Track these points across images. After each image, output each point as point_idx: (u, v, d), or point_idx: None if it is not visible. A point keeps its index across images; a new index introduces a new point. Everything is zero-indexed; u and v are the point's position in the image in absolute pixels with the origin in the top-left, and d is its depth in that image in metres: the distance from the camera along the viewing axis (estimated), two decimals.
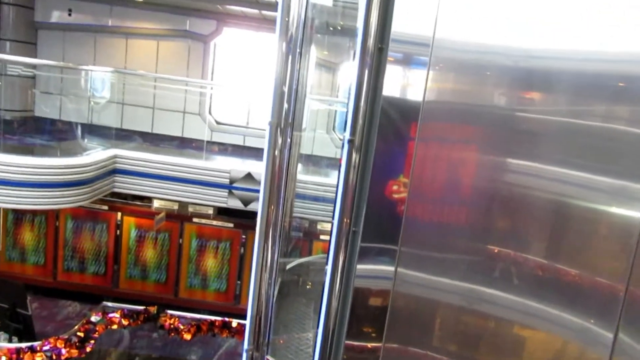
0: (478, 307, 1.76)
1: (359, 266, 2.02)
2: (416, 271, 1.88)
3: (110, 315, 7.37)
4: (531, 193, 1.65)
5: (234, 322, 7.57)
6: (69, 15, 9.70)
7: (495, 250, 1.73)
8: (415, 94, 1.78)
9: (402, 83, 1.86)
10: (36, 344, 6.46)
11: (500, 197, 1.72)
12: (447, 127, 1.78)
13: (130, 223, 9.48)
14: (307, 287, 4.04)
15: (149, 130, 9.75)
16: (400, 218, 1.86)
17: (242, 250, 9.45)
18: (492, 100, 1.72)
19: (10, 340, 7.02)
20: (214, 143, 9.34)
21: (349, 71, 1.91)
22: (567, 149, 1.62)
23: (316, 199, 6.87)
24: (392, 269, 1.90)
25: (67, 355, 6.63)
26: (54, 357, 6.52)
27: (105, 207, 9.41)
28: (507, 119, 1.69)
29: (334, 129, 9.65)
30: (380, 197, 1.95)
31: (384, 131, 1.87)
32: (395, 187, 1.90)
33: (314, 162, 8.54)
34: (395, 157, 1.92)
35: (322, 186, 6.92)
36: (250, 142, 9.71)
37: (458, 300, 1.80)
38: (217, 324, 7.56)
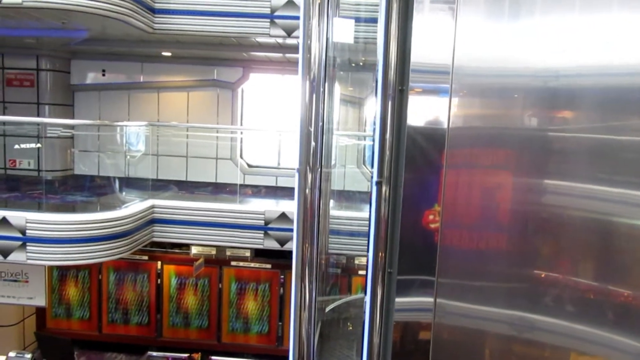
0: (527, 334, 1.70)
1: (397, 299, 1.99)
2: (457, 301, 1.83)
3: None
4: (569, 213, 1.61)
5: None
6: (103, 75, 10.15)
7: (542, 275, 1.67)
8: (439, 122, 1.78)
9: (426, 112, 1.87)
10: None
11: (538, 219, 1.68)
12: (474, 152, 1.77)
13: (170, 271, 9.60)
14: (349, 328, 3.97)
15: (184, 179, 9.96)
16: (435, 248, 1.83)
17: (281, 290, 9.41)
18: (519, 122, 1.71)
19: None
20: (247, 186, 9.46)
21: (373, 106, 1.93)
22: (603, 165, 1.58)
23: (352, 234, 6.84)
24: (431, 300, 1.86)
25: None
26: None
27: (146, 257, 9.57)
28: (535, 140, 1.67)
29: (364, 163, 9.66)
30: (414, 228, 1.92)
31: (412, 162, 1.87)
32: (431, 217, 1.88)
33: (347, 197, 8.54)
34: (425, 187, 1.91)
35: (357, 220, 6.89)
36: (283, 182, 9.80)
37: (503, 329, 1.75)
38: None
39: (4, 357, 7.64)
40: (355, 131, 9.70)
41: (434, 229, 1.87)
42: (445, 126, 1.74)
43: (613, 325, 1.57)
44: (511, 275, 1.73)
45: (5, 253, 6.24)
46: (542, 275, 1.67)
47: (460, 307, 1.83)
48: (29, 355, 7.59)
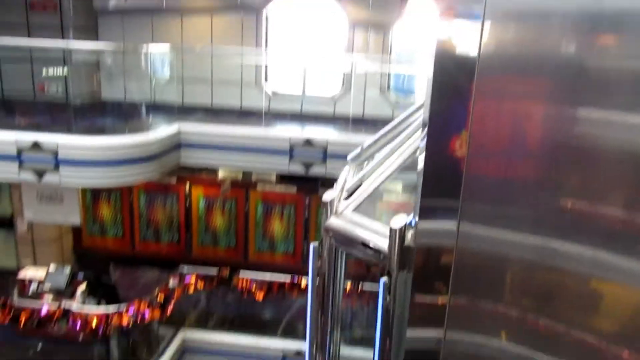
0: (549, 261, 1.74)
1: (420, 225, 2.03)
2: (480, 227, 1.87)
3: (187, 279, 7.79)
4: (603, 143, 1.59)
5: (303, 282, 7.81)
6: (125, 1, 9.93)
7: (568, 204, 1.68)
8: (470, 47, 1.73)
9: (456, 36, 1.81)
10: (122, 307, 6.96)
11: (569, 149, 1.66)
12: (506, 79, 1.73)
13: (198, 193, 9.87)
14: None
15: (209, 104, 9.98)
16: (461, 174, 1.84)
17: (306, 213, 9.63)
18: (556, 48, 1.65)
19: (98, 305, 7.60)
20: (272, 112, 9.45)
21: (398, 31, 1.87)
22: None
23: None
24: (454, 224, 1.89)
25: (150, 317, 7.11)
26: (139, 319, 7.02)
27: (174, 180, 9.81)
28: (572, 67, 1.62)
29: (388, 89, 9.50)
30: (439, 154, 1.93)
31: (440, 88, 1.84)
32: (457, 144, 1.88)
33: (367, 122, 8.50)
34: (453, 113, 1.89)
35: None
36: (308, 109, 9.74)
37: (526, 255, 1.78)
38: (286, 284, 7.83)
39: (45, 270, 8.13)
40: (380, 56, 9.46)
41: (460, 156, 1.87)
42: (477, 51, 1.69)
43: (638, 254, 1.59)
44: (538, 203, 1.74)
45: (40, 175, 6.47)
46: (569, 205, 1.68)
47: (484, 233, 1.86)
48: (67, 269, 8.06)
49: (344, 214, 2.40)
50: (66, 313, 6.81)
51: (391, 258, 2.07)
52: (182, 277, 7.80)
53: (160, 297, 7.30)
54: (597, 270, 1.65)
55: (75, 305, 7.28)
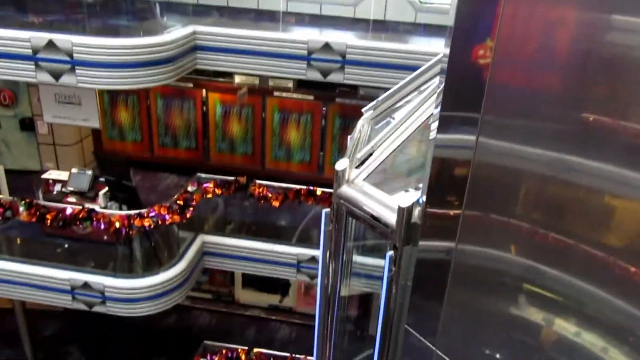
0: (564, 175, 1.70)
1: (439, 136, 1.98)
2: (499, 140, 1.82)
3: (205, 185, 7.94)
4: (633, 54, 1.48)
5: (319, 191, 7.91)
6: None
7: (590, 118, 1.61)
8: None
9: None
10: (143, 211, 7.18)
11: (598, 59, 1.56)
12: None
13: (215, 99, 9.79)
14: None
15: (225, 4, 9.60)
16: (484, 84, 1.76)
17: (323, 122, 9.55)
18: None
19: (120, 208, 7.85)
20: (290, 14, 9.07)
21: None
22: None
23: (392, 65, 6.67)
24: (473, 137, 1.84)
25: (170, 220, 7.34)
26: (160, 222, 7.26)
27: (190, 85, 9.71)
28: None
29: None
30: (462, 62, 1.84)
31: None
32: (481, 52, 1.78)
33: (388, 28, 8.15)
34: (478, 20, 1.78)
35: (398, 53, 6.66)
36: (327, 11, 9.32)
37: (542, 169, 1.75)
38: (302, 192, 7.94)
39: (67, 173, 8.33)
40: None
41: (483, 64, 1.78)
42: None
43: None
44: (560, 116, 1.67)
45: (56, 75, 6.43)
46: (591, 119, 1.61)
47: (502, 146, 1.82)
48: (90, 172, 8.25)
49: (355, 182, 2.49)
50: (90, 214, 7.05)
51: (398, 234, 2.19)
52: (200, 183, 7.95)
53: (180, 202, 7.49)
54: (612, 186, 1.62)
55: (98, 207, 7.52)
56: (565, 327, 1.82)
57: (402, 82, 3.23)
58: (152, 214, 7.18)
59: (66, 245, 8.08)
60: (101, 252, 8.02)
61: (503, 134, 1.80)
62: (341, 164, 2.47)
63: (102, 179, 8.16)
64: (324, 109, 9.43)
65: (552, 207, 1.78)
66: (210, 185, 7.93)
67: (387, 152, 2.64)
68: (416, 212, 2.16)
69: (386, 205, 2.28)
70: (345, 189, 2.46)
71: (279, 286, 11.01)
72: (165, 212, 7.26)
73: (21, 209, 7.12)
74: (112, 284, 7.26)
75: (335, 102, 9.35)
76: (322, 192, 7.89)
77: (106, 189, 8.00)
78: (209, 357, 8.94)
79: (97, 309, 7.45)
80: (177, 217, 7.40)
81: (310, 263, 8.06)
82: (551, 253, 1.81)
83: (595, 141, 1.62)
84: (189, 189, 7.81)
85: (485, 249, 2.00)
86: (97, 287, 7.28)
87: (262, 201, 8.00)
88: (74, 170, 8.28)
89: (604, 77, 1.57)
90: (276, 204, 7.93)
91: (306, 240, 8.55)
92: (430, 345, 2.25)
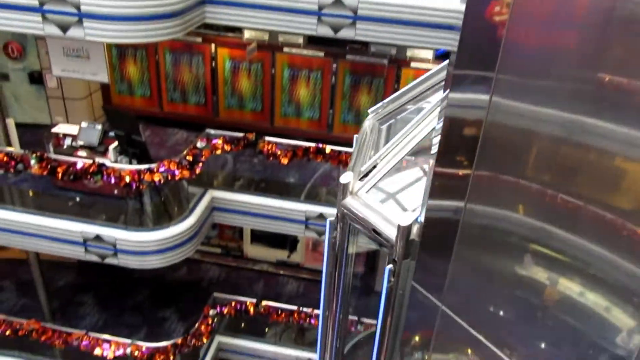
0: (576, 137, 1.69)
1: (451, 95, 1.96)
2: (513, 100, 1.79)
3: (214, 141, 7.96)
4: None
5: (327, 148, 7.91)
6: None
7: (606, 79, 1.59)
8: None
9: None
10: (153, 166, 7.23)
11: (618, 17, 1.52)
12: None
13: (224, 54, 9.68)
14: None
15: None
16: (499, 43, 1.73)
17: (333, 79, 9.45)
18: None
19: (130, 163, 7.91)
20: None
21: None
22: None
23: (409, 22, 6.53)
24: (486, 97, 1.82)
25: (180, 175, 7.41)
26: (169, 177, 7.32)
27: (199, 40, 9.59)
28: None
29: None
30: (477, 20, 1.80)
31: None
32: (497, 9, 1.74)
33: None
34: None
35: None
36: None
37: (554, 130, 1.73)
38: (311, 149, 7.94)
39: (77, 127, 8.37)
40: None
41: (499, 22, 1.74)
42: None
43: None
44: (576, 76, 1.65)
45: (64, 28, 6.36)
46: (607, 79, 1.59)
47: (515, 106, 1.80)
48: (99, 126, 8.28)
49: (359, 194, 2.63)
50: (100, 168, 7.11)
51: (397, 249, 2.34)
52: (209, 139, 7.96)
53: (189, 157, 7.53)
54: (626, 148, 1.61)
55: (108, 161, 7.58)
56: (570, 287, 1.84)
57: (411, 84, 3.31)
58: (161, 169, 7.23)
59: (78, 199, 8.20)
60: (112, 205, 8.13)
61: (517, 94, 1.78)
62: (346, 177, 2.61)
63: (111, 134, 8.19)
64: (334, 65, 9.31)
65: (563, 169, 1.78)
66: (219, 141, 7.95)
67: (391, 164, 2.77)
68: (414, 229, 2.31)
69: (387, 220, 2.42)
70: (349, 201, 2.60)
71: (287, 242, 11.17)
72: (175, 168, 7.31)
73: (32, 162, 7.20)
74: (123, 237, 7.40)
75: (345, 59, 9.23)
76: (331, 150, 7.89)
77: (116, 143, 8.04)
78: (218, 309, 9.19)
79: (109, 260, 7.62)
80: (186, 173, 7.46)
81: (318, 220, 8.14)
82: (559, 214, 1.82)
83: (611, 102, 1.60)
84: (198, 144, 7.83)
85: (493, 209, 2.01)
86: (108, 239, 7.43)
87: (271, 158, 8.02)
88: (83, 124, 8.31)
89: (623, 37, 1.53)
90: (285, 161, 7.95)
91: (314, 197, 8.62)
92: (436, 301, 2.29)
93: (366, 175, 2.72)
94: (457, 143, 2.04)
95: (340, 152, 7.88)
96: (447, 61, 2.77)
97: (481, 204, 2.02)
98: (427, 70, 3.33)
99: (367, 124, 3.15)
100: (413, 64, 9.11)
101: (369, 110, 3.25)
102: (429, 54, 9.12)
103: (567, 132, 1.70)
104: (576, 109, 1.65)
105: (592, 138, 1.67)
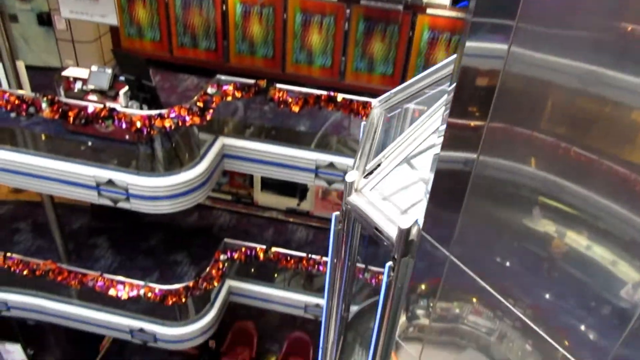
0: (596, 89, 1.65)
1: (468, 44, 1.92)
2: (532, 50, 1.75)
3: (224, 87, 7.89)
4: None
5: (339, 97, 7.82)
6: None
7: (629, 28, 1.54)
8: None
9: None
10: (163, 111, 7.22)
11: None
12: None
13: None
14: None
15: None
16: None
17: (346, 25, 9.22)
18: None
19: (140, 108, 7.90)
20: None
21: None
22: None
23: None
24: (505, 47, 1.78)
25: (190, 121, 7.40)
26: (180, 123, 7.32)
27: None
28: None
29: None
30: None
31: None
32: None
33: None
34: None
35: None
36: None
37: (572, 82, 1.70)
38: (323, 97, 7.86)
39: (87, 70, 8.31)
40: None
41: None
42: None
43: None
44: (598, 26, 1.60)
45: None
46: (629, 29, 1.54)
47: (534, 56, 1.75)
48: (110, 70, 8.22)
49: (363, 192, 2.78)
50: (111, 113, 7.12)
51: (397, 248, 2.50)
52: (219, 85, 7.89)
53: (200, 104, 7.49)
54: None
55: (119, 106, 7.57)
56: (577, 240, 1.86)
57: (417, 77, 3.39)
58: (172, 115, 7.22)
59: (89, 143, 8.25)
60: (123, 150, 8.19)
61: (536, 44, 1.73)
62: (351, 176, 2.76)
63: (121, 78, 8.14)
64: (348, 11, 9.07)
65: (579, 122, 1.75)
66: (230, 87, 7.88)
67: (395, 163, 2.96)
68: (414, 230, 2.44)
69: (389, 219, 2.59)
70: (354, 198, 2.77)
71: (297, 190, 11.26)
72: (186, 114, 7.30)
73: (44, 105, 7.21)
74: (135, 182, 7.49)
75: (359, 4, 8.97)
76: (343, 98, 7.81)
77: (126, 88, 8.00)
78: (229, 254, 9.39)
79: (122, 205, 7.75)
80: (197, 119, 7.45)
81: (328, 169, 8.17)
82: (572, 167, 1.81)
83: (632, 54, 1.55)
84: (209, 91, 7.78)
85: (506, 161, 2.00)
86: (121, 184, 7.53)
87: (282, 105, 7.96)
88: (93, 68, 8.25)
89: None
90: (296, 108, 7.89)
91: (325, 146, 8.60)
92: (445, 251, 2.33)
93: (371, 172, 2.89)
94: (472, 94, 2.01)
95: (352, 100, 7.79)
96: (454, 56, 2.89)
97: (494, 156, 2.01)
98: (444, 17, 3.37)
99: (375, 112, 3.26)
100: (429, 10, 8.84)
101: (377, 99, 3.33)
102: (446, 0, 8.84)
103: (585, 84, 1.66)
104: (596, 60, 1.61)
105: (610, 90, 1.63)
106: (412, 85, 3.40)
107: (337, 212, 2.94)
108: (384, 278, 2.61)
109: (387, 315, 2.74)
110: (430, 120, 3.10)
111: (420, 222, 2.42)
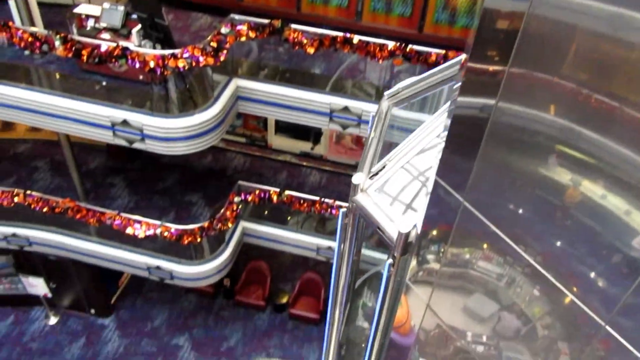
0: (623, 34, 1.59)
1: None
2: None
3: (238, 27, 7.73)
4: None
5: (355, 39, 7.63)
6: None
7: None
8: None
9: None
10: (177, 51, 7.13)
11: None
12: None
13: None
14: None
15: None
16: None
17: None
18: None
19: (154, 47, 7.80)
20: None
21: None
22: None
23: None
24: None
25: (204, 62, 7.31)
26: (193, 63, 7.23)
27: None
28: None
29: None
30: None
31: None
32: None
33: None
34: None
35: None
36: None
37: (597, 25, 1.63)
38: (338, 39, 7.67)
39: (99, 8, 8.17)
40: None
41: None
42: None
43: None
44: None
45: None
46: None
47: None
48: (122, 8, 8.07)
49: (368, 192, 2.97)
50: (124, 52, 7.04)
51: (397, 248, 2.70)
52: (233, 25, 7.72)
53: (213, 44, 7.37)
54: None
55: (132, 45, 7.48)
56: (592, 189, 1.85)
57: (429, 72, 3.46)
58: (185, 55, 7.13)
59: (104, 83, 8.23)
60: (137, 91, 8.16)
61: None
62: (357, 178, 2.95)
63: (134, 16, 8.00)
64: None
65: (602, 68, 1.70)
66: (244, 27, 7.71)
67: (400, 164, 3.15)
68: (413, 233, 2.63)
69: (391, 220, 2.78)
70: (360, 197, 2.96)
71: (311, 134, 11.23)
72: (199, 54, 7.20)
73: (57, 43, 7.14)
74: (150, 123, 7.51)
75: None
76: (359, 40, 7.62)
77: (139, 26, 7.87)
78: (243, 196, 9.50)
79: (137, 145, 7.80)
80: (210, 60, 7.35)
81: (342, 113, 8.09)
82: (592, 115, 1.78)
83: None
84: (223, 30, 7.62)
85: (524, 108, 1.96)
86: (135, 124, 7.55)
87: (297, 47, 7.80)
88: (105, 5, 8.10)
89: None
90: (311, 50, 7.73)
91: (340, 89, 8.49)
92: (459, 197, 2.33)
93: (377, 173, 3.08)
94: (494, 37, 1.95)
95: (368, 42, 7.61)
96: (463, 55, 2.93)
97: (512, 102, 1.97)
98: None
99: (384, 105, 3.29)
100: None
101: (385, 93, 3.34)
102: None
103: (612, 28, 1.60)
104: (626, 2, 1.55)
105: (637, 35, 1.57)
106: (421, 81, 3.46)
107: (344, 209, 3.19)
108: (384, 273, 2.85)
109: (386, 308, 3.02)
110: (436, 123, 3.29)
111: (419, 226, 2.63)
